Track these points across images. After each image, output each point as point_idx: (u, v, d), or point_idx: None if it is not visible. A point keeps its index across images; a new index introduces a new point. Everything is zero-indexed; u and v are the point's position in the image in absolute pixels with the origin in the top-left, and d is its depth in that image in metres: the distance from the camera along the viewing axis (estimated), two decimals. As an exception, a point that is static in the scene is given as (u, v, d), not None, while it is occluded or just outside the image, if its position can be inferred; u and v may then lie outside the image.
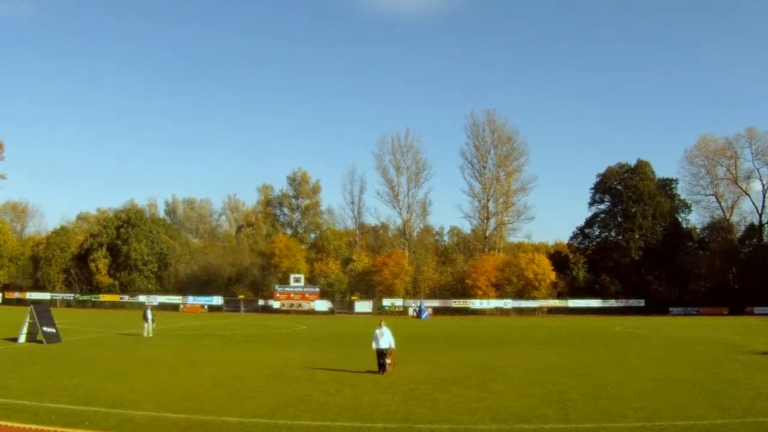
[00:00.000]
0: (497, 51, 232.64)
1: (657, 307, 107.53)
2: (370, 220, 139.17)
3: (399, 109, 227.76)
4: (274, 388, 24.47)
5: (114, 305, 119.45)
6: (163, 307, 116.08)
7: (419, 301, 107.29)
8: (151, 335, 51.36)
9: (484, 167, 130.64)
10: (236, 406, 21.37)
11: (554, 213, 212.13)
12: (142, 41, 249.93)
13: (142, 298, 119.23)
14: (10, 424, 18.28)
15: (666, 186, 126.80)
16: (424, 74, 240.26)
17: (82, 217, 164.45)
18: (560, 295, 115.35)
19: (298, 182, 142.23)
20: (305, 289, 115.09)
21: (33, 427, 17.91)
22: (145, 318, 52.81)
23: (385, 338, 29.80)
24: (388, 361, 29.31)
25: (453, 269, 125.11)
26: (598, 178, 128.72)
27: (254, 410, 20.61)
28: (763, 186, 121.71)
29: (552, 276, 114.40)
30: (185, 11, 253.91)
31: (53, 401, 21.65)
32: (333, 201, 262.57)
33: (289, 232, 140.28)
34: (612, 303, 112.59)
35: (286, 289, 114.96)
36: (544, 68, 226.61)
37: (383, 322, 30.10)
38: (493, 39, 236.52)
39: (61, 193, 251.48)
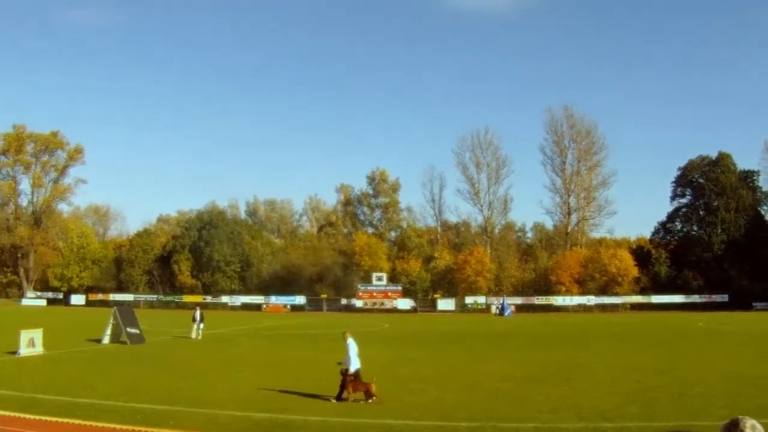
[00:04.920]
0: (574, 45, 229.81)
1: (740, 302, 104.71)
2: (451, 218, 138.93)
3: (476, 105, 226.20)
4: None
5: (201, 306, 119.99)
6: (246, 306, 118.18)
7: (502, 298, 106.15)
8: (200, 338, 51.09)
9: (564, 162, 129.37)
10: (319, 405, 21.46)
11: (636, 207, 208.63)
12: (222, 44, 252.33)
13: (225, 299, 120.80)
14: (96, 424, 18.52)
15: (747, 178, 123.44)
16: (501, 70, 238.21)
17: (163, 219, 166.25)
18: (643, 291, 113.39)
19: (377, 181, 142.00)
20: (387, 288, 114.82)
21: (119, 426, 18.14)
22: (194, 319, 52.51)
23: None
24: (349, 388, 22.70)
25: (535, 266, 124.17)
26: (679, 172, 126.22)
27: (337, 409, 20.71)
28: None
29: (634, 272, 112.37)
30: (262, 12, 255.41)
31: (138, 401, 21.93)
32: (412, 199, 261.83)
33: (370, 230, 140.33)
34: (695, 298, 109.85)
35: (369, 287, 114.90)
36: (622, 62, 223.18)
37: (348, 333, 24.80)
38: (570, 33, 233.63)
39: (142, 195, 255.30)
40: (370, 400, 22.33)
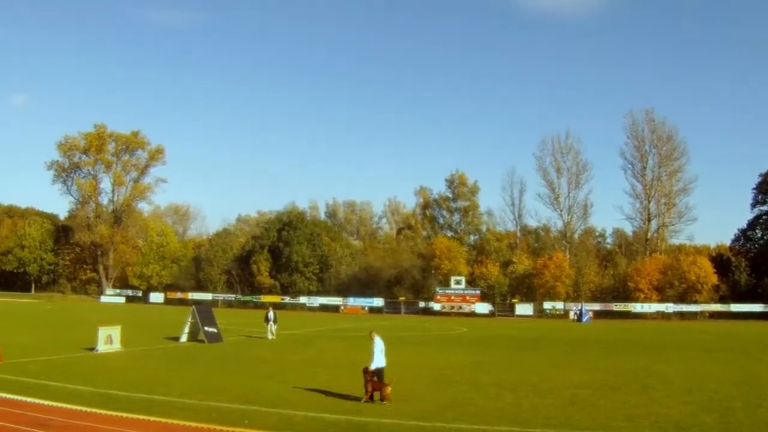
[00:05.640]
0: (653, 49, 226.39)
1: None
2: (531, 222, 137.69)
3: (555, 109, 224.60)
4: (433, 391, 24.28)
5: (275, 306, 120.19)
6: (324, 308, 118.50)
7: (580, 304, 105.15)
8: (274, 337, 51.20)
9: (645, 167, 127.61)
10: (395, 408, 21.33)
11: (716, 214, 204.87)
12: (304, 45, 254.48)
13: (303, 300, 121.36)
14: (172, 421, 18.65)
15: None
16: (581, 74, 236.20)
17: (242, 220, 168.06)
18: (722, 299, 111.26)
19: (456, 184, 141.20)
20: (466, 292, 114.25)
21: (194, 424, 18.24)
22: (266, 319, 52.53)
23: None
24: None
25: (614, 272, 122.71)
26: (760, 178, 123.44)
27: (413, 413, 20.57)
28: None
29: (714, 279, 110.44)
30: (344, 16, 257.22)
31: (213, 400, 22.10)
32: (491, 202, 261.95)
33: (449, 234, 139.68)
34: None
35: (447, 291, 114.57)
36: (701, 66, 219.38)
37: (374, 333, 24.89)
38: (649, 37, 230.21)
39: (223, 195, 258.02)
40: (363, 400, 22.49)
